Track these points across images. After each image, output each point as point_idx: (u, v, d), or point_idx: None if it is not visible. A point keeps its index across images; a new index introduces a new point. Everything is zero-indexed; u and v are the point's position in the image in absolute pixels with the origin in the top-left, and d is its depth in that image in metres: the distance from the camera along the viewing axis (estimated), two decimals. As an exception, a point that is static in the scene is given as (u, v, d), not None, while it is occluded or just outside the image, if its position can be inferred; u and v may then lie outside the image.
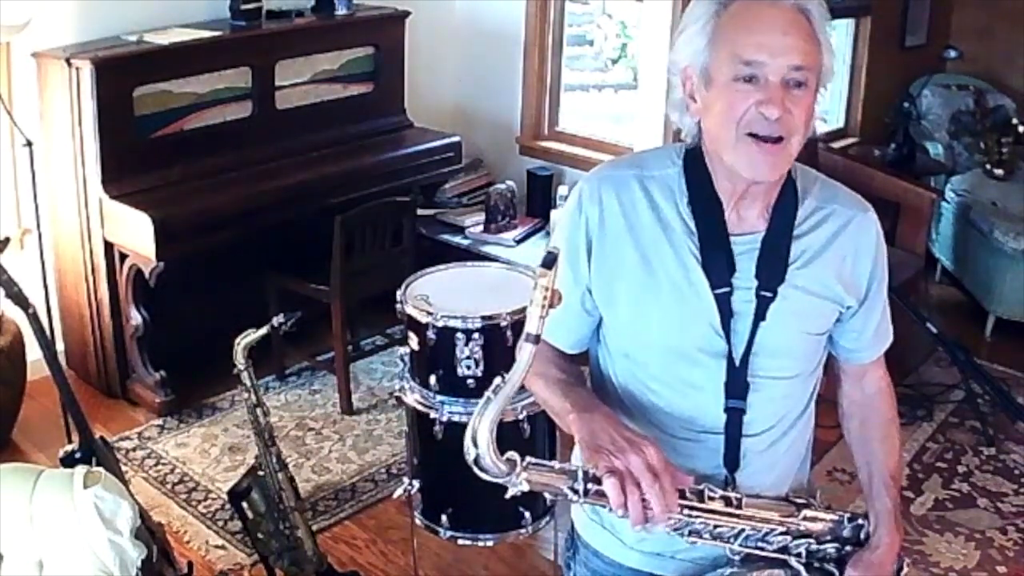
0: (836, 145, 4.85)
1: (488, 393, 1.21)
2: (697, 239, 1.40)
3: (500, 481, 1.25)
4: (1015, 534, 3.15)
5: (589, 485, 1.28)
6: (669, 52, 1.42)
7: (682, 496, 1.33)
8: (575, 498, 1.28)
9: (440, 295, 2.59)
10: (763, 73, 1.29)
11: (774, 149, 1.31)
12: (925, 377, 4.07)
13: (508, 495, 1.26)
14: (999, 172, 4.91)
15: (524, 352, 1.18)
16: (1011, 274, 4.38)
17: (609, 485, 1.23)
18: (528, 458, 1.26)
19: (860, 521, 1.49)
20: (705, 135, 1.38)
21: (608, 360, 1.51)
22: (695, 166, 1.42)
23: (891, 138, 4.86)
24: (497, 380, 1.21)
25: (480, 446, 1.21)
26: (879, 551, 1.48)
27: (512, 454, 1.25)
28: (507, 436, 2.46)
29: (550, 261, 1.17)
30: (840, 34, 5.06)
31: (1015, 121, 5.06)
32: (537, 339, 1.18)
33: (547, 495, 1.30)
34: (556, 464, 1.29)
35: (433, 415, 2.51)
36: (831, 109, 5.21)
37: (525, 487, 1.26)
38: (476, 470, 1.23)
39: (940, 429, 3.75)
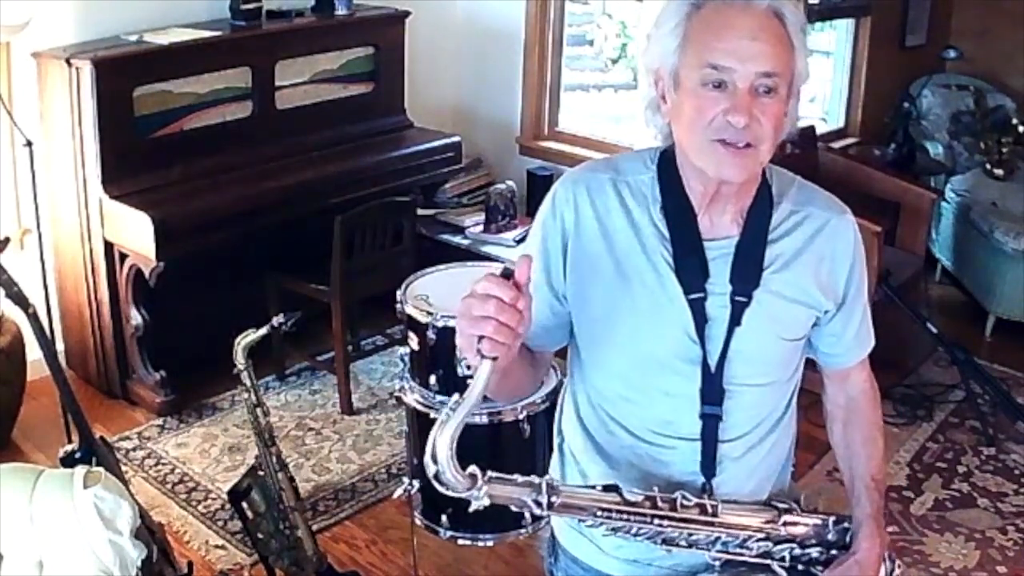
0: (836, 145, 4.84)
1: (446, 409, 1.19)
2: (670, 244, 1.39)
3: (462, 496, 1.23)
4: (1015, 534, 3.15)
5: (553, 498, 1.27)
6: (641, 52, 1.41)
7: (654, 505, 1.33)
8: (539, 510, 1.28)
9: (440, 295, 2.59)
10: (731, 79, 1.28)
11: (742, 152, 1.30)
12: (925, 377, 4.06)
13: (471, 509, 1.25)
14: (999, 172, 4.90)
15: (483, 368, 1.16)
16: (1011, 274, 4.38)
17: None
18: (490, 472, 1.25)
19: (847, 524, 1.49)
20: (675, 137, 1.38)
21: (582, 367, 1.50)
22: (668, 170, 1.41)
23: (891, 138, 4.86)
24: (456, 396, 1.19)
25: (440, 462, 1.19)
26: (858, 555, 1.47)
27: (473, 468, 1.23)
28: (507, 436, 2.48)
29: (508, 275, 1.16)
30: (840, 34, 5.06)
31: (1015, 121, 5.06)
32: (495, 357, 1.16)
33: (513, 507, 1.28)
34: (519, 477, 1.28)
35: (433, 415, 2.51)
36: (831, 109, 5.20)
37: (487, 501, 1.24)
38: (437, 485, 1.21)
39: (940, 429, 3.74)
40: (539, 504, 1.27)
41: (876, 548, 1.49)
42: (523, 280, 1.17)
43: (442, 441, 1.19)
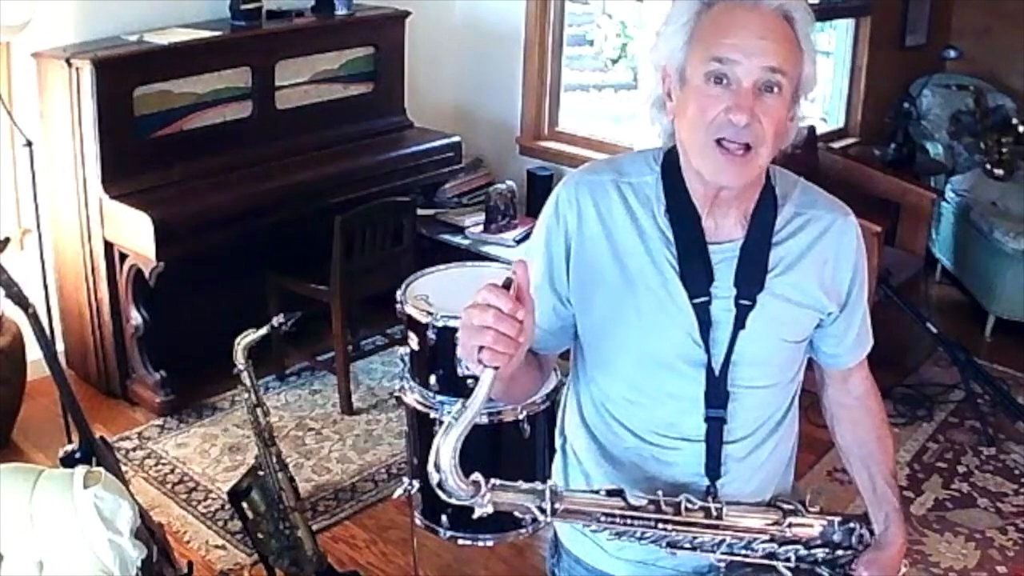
0: (836, 145, 4.85)
1: (449, 418, 1.19)
2: (675, 248, 1.38)
3: (465, 503, 1.22)
4: (1015, 534, 3.15)
5: (556, 504, 1.27)
6: (649, 48, 1.40)
7: (659, 509, 1.33)
8: (542, 517, 1.27)
9: (440, 295, 2.59)
10: (735, 74, 1.27)
11: (740, 158, 1.29)
12: (925, 377, 4.06)
13: (475, 516, 1.25)
14: (999, 172, 4.90)
15: (485, 377, 1.16)
16: (1011, 274, 4.38)
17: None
18: (493, 479, 1.24)
19: (852, 524, 1.48)
20: (678, 136, 1.37)
21: (586, 369, 1.50)
22: (672, 172, 1.40)
23: (891, 138, 4.86)
24: (458, 404, 1.19)
25: (443, 470, 1.19)
26: (892, 550, 1.49)
27: (476, 476, 1.23)
28: (507, 436, 2.48)
29: (508, 284, 1.16)
30: (840, 34, 5.07)
31: (1015, 121, 5.06)
32: (497, 367, 1.16)
33: (517, 514, 1.28)
34: (522, 483, 1.28)
35: (433, 415, 2.51)
36: (831, 109, 5.20)
37: (491, 508, 1.24)
38: (440, 493, 1.21)
39: (940, 429, 3.74)
40: (543, 511, 1.26)
41: (905, 543, 1.52)
42: (523, 286, 1.16)
43: (445, 449, 1.18)
